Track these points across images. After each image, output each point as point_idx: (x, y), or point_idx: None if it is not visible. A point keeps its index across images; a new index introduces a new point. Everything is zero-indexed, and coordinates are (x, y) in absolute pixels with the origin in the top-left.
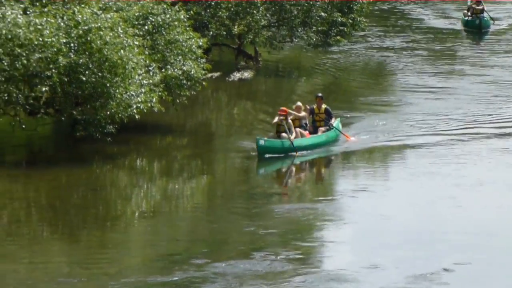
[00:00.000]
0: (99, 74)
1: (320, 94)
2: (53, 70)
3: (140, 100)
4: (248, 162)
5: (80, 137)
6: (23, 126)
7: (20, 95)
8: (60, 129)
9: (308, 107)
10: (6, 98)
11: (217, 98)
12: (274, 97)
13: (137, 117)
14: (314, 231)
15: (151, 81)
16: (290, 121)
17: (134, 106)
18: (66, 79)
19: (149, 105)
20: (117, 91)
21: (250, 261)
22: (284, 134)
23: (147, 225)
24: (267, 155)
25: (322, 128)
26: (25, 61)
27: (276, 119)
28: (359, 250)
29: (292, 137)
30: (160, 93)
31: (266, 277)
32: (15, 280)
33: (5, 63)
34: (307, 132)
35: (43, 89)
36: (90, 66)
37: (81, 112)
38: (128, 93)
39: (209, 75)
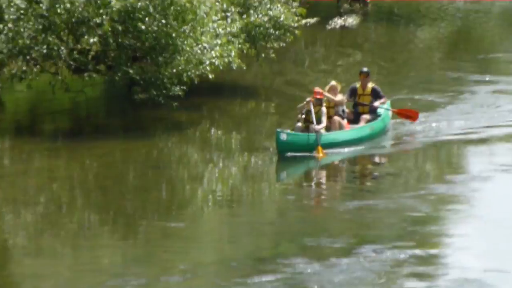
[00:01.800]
0: (163, 21)
1: (365, 69)
2: (104, 16)
3: (214, 55)
4: None
5: (139, 102)
6: (67, 88)
7: (62, 48)
8: (113, 91)
9: (344, 93)
10: (45, 51)
11: (313, 51)
12: (385, 50)
13: (210, 76)
14: (433, 223)
15: (229, 30)
16: (324, 108)
17: (207, 62)
18: (120, 28)
19: (226, 60)
20: (186, 42)
21: (354, 259)
22: (315, 126)
23: (223, 213)
24: (289, 154)
25: (367, 116)
26: (68, 5)
27: (304, 104)
28: (490, 248)
29: (321, 126)
30: (240, 46)
31: (376, 280)
32: (55, 284)
33: (44, 7)
34: (346, 121)
35: (92, 40)
36: (151, 11)
37: (139, 69)
38: (199, 46)
39: (303, 21)
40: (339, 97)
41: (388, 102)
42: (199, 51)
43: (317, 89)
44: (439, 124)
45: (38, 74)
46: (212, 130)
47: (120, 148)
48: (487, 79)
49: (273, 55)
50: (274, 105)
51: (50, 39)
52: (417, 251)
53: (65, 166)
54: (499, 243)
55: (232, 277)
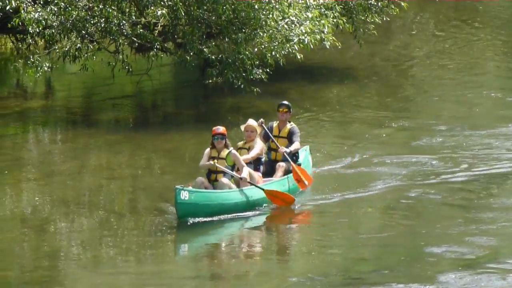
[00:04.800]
0: None
1: (285, 102)
2: None
3: (304, 31)
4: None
5: (214, 87)
6: (129, 69)
7: (124, 22)
8: (184, 73)
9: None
10: (103, 25)
11: (424, 26)
12: None
13: (299, 56)
14: None
15: (322, 0)
16: (234, 151)
17: (295, 40)
18: None
19: (318, 37)
20: (270, 16)
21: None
22: (224, 180)
23: (312, 222)
24: (190, 220)
25: (283, 164)
26: None
27: (207, 153)
28: None
29: (244, 174)
30: (335, 20)
31: None
32: None
33: None
34: (260, 174)
35: (159, 12)
36: None
37: (215, 48)
38: (286, 20)
39: None
40: (256, 149)
41: (307, 148)
42: (285, 27)
43: (217, 129)
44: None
45: (94, 53)
46: (304, 120)
47: (191, 142)
48: None
49: (374, 32)
50: (374, 92)
51: (110, 10)
52: None
53: (127, 163)
54: None
55: None
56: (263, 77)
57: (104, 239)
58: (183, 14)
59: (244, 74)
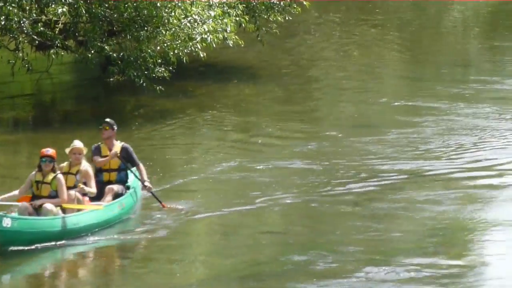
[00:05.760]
0: None
1: (108, 120)
2: None
3: (207, 29)
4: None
5: (115, 85)
6: (29, 67)
7: (24, 19)
8: (85, 71)
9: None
10: (3, 23)
11: (326, 25)
12: (411, 24)
13: (202, 54)
14: (464, 235)
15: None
16: (60, 175)
17: (198, 38)
18: None
19: (221, 36)
20: (173, 14)
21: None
22: (48, 205)
23: (211, 231)
24: (11, 248)
25: (114, 187)
26: None
27: (30, 176)
28: None
29: (89, 190)
30: (238, 19)
31: None
32: None
33: None
34: (87, 198)
35: (60, 9)
36: None
37: (117, 46)
38: (189, 18)
39: None
40: (83, 167)
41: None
42: (188, 25)
43: (46, 151)
44: None
45: None
46: (202, 121)
47: (92, 142)
48: None
49: (276, 31)
50: (278, 89)
51: (10, 8)
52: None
53: (27, 162)
54: None
55: None
56: (165, 75)
57: None
58: (84, 12)
59: (146, 72)
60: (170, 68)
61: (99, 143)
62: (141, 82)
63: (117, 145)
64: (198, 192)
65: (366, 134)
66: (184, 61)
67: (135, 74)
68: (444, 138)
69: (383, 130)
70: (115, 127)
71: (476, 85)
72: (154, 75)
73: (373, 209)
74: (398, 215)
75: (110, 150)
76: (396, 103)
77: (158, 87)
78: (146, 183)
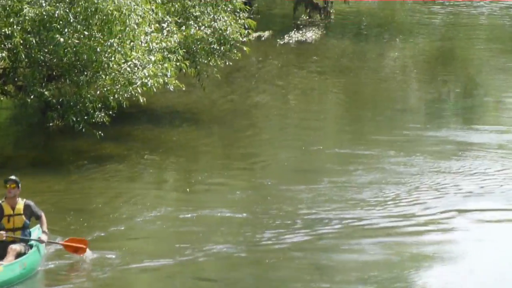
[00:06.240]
0: (85, 32)
1: (13, 177)
2: (15, 26)
3: (147, 74)
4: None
5: (55, 130)
6: None
7: None
8: (24, 116)
9: None
10: None
11: (266, 70)
12: (350, 69)
13: (142, 99)
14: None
15: (164, 44)
16: None
17: (138, 83)
18: (34, 40)
19: (161, 81)
20: (113, 59)
21: None
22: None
23: (140, 282)
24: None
25: (17, 247)
26: None
27: None
28: None
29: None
30: (178, 63)
31: None
32: None
33: None
34: None
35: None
36: (72, 20)
37: (56, 91)
38: (129, 63)
39: (254, 35)
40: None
41: (40, 226)
42: (128, 69)
43: None
44: None
45: None
46: (144, 166)
47: (29, 188)
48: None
49: (217, 75)
50: (218, 134)
51: None
52: None
53: None
54: None
55: None
56: (105, 120)
57: None
58: (24, 57)
59: (86, 117)
60: (110, 112)
61: (1, 200)
62: (81, 127)
63: (20, 203)
64: (130, 241)
65: (301, 182)
66: (124, 105)
67: (74, 119)
68: (376, 187)
69: (317, 178)
70: (20, 185)
71: (412, 132)
72: (93, 120)
73: (306, 258)
74: (329, 265)
75: (13, 208)
76: (332, 150)
77: (98, 132)
78: (42, 235)
